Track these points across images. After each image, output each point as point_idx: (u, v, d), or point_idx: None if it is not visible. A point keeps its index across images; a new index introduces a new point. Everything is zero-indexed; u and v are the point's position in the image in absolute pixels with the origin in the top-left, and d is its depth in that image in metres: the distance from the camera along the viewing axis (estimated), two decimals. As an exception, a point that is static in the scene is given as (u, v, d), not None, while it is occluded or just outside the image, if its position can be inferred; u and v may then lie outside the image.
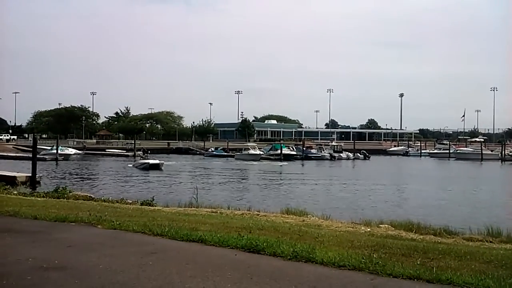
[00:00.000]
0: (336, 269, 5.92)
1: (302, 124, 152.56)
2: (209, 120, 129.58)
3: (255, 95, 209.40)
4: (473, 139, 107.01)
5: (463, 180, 42.41)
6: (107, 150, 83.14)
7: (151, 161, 50.14)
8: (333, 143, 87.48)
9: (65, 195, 17.04)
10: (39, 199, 15.51)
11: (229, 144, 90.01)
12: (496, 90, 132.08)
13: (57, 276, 5.50)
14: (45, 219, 9.59)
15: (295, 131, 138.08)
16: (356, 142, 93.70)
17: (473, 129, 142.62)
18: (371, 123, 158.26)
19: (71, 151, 69.15)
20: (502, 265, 6.35)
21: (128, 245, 7.20)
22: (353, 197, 28.34)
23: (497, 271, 5.89)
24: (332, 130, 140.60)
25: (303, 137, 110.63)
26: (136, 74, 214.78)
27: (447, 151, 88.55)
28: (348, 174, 49.76)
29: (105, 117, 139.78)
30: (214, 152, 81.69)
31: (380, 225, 11.97)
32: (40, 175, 32.94)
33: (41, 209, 11.08)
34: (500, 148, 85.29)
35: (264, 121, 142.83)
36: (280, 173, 49.57)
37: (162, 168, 48.84)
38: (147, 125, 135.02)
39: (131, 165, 52.78)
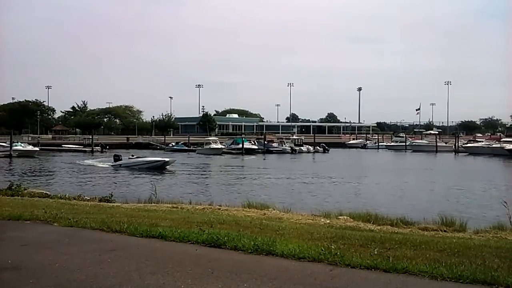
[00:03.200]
0: (296, 261, 6.01)
1: (263, 118, 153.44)
2: (169, 114, 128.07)
3: (216, 89, 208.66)
4: (428, 132, 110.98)
5: (418, 172, 43.66)
6: (63, 145, 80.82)
7: (166, 159, 43.24)
8: (294, 137, 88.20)
9: (20, 193, 16.50)
10: (-9, 197, 14.93)
11: (190, 138, 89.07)
12: (450, 84, 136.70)
13: (10, 277, 5.32)
14: (-2, 217, 9.27)
15: (256, 125, 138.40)
16: (316, 136, 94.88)
17: (428, 122, 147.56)
18: (331, 117, 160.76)
19: (35, 147, 66.20)
20: (454, 253, 6.60)
21: (85, 243, 7.06)
22: (313, 189, 28.68)
23: (450, 259, 6.12)
24: (293, 123, 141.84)
25: (264, 131, 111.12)
26: (93, 67, 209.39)
27: (404, 144, 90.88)
28: (309, 167, 50.29)
29: (61, 111, 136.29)
30: (175, 147, 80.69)
31: (339, 217, 12.20)
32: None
33: (-6, 208, 10.67)
34: (454, 140, 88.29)
35: (225, 115, 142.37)
36: (242, 167, 49.62)
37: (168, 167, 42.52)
38: (105, 119, 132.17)
39: (106, 165, 45.39)
